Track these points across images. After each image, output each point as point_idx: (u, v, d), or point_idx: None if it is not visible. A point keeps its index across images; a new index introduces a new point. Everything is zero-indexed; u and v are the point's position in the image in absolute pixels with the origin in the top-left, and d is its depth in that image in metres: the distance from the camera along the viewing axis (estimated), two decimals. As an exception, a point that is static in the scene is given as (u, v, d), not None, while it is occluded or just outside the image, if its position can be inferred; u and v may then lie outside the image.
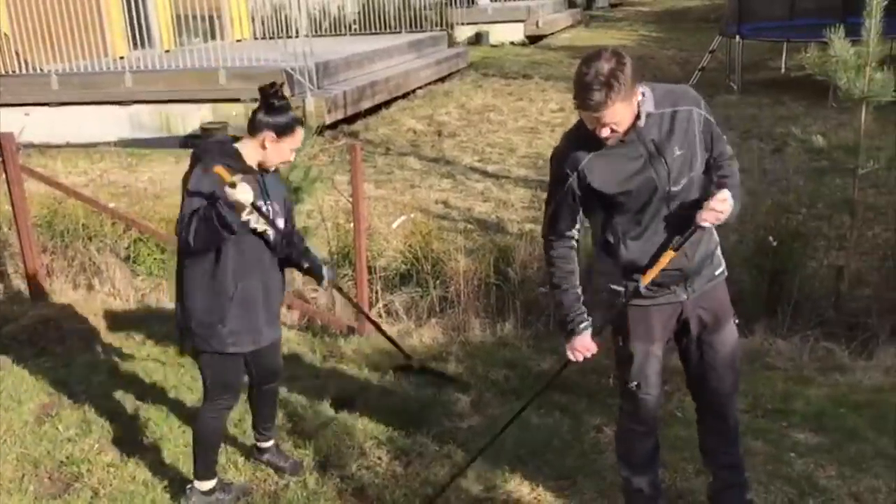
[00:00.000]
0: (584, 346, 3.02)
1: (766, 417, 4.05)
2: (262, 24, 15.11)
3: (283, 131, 3.17)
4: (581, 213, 2.92)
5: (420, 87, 13.21)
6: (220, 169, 3.00)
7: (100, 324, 5.41)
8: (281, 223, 3.32)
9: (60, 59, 11.26)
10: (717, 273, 3.01)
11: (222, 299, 3.23)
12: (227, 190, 2.96)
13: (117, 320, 5.48)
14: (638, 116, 2.72)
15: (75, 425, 4.18)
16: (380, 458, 3.83)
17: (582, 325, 3.01)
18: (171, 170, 9.47)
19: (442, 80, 14.02)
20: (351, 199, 5.28)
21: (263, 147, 3.18)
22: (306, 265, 3.53)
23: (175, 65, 10.81)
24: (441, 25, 16.29)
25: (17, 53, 11.33)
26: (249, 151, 3.21)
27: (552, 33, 19.97)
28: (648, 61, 15.76)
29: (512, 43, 18.80)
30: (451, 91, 13.14)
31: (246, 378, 3.58)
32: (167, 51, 12.56)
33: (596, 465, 3.76)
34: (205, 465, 3.48)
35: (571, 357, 3.07)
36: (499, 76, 14.26)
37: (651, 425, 3.19)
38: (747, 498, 3.26)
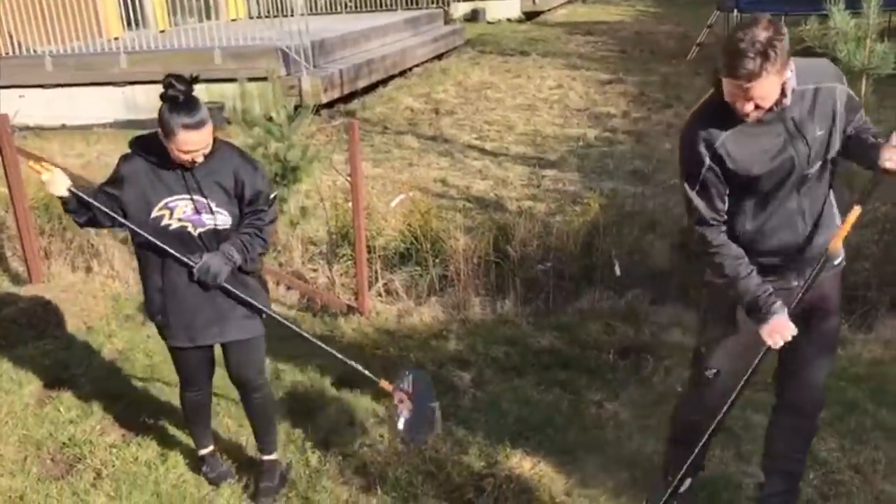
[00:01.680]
0: (783, 326, 2.69)
1: (766, 391, 4.03)
2: (257, 2, 15.00)
3: (164, 132, 2.96)
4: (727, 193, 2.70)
5: (417, 65, 13.13)
6: (31, 164, 3.17)
7: (99, 306, 5.40)
8: (222, 220, 3.11)
9: (54, 40, 11.17)
10: (835, 263, 2.81)
11: (153, 291, 3.22)
12: (44, 181, 3.06)
13: (116, 302, 5.47)
14: (783, 94, 2.53)
15: (76, 407, 4.18)
16: (381, 436, 3.84)
17: (776, 306, 2.69)
18: (167, 151, 9.44)
19: (439, 57, 13.95)
20: (349, 179, 5.25)
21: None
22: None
23: (170, 45, 10.74)
24: (437, 2, 16.19)
25: (10, 35, 11.24)
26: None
27: (549, 9, 19.86)
28: (646, 36, 15.68)
29: (508, 19, 18.70)
30: (448, 69, 13.07)
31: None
32: (162, 31, 12.48)
33: (597, 441, 3.77)
34: (192, 436, 3.67)
35: (771, 343, 2.71)
36: (496, 53, 14.19)
37: (711, 415, 2.93)
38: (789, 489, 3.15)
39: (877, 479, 3.43)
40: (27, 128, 10.34)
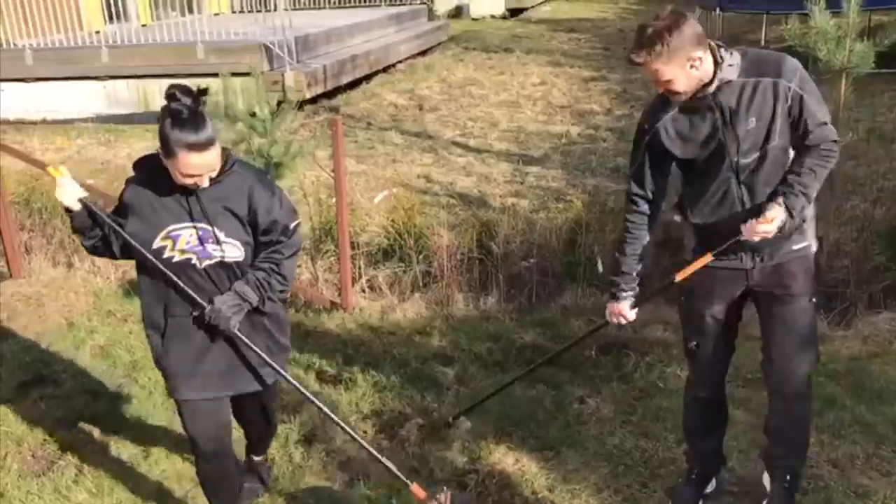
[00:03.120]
0: (619, 312, 3.11)
1: (746, 387, 4.09)
2: (240, -3, 14.92)
3: (164, 151, 2.58)
4: (664, 177, 2.95)
5: (401, 61, 13.11)
6: (50, 168, 2.74)
7: (80, 301, 5.37)
8: (230, 250, 2.72)
9: (34, 33, 11.06)
10: (795, 248, 2.90)
11: (155, 334, 2.84)
12: (57, 185, 2.65)
13: (98, 297, 5.44)
14: (711, 82, 2.70)
15: (58, 404, 4.16)
16: (365, 432, 3.85)
17: (623, 294, 3.08)
18: (149, 146, 9.37)
19: (423, 53, 13.93)
20: (332, 174, 5.25)
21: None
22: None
23: (152, 39, 10.65)
24: (421, -1, 16.17)
25: (-11, 28, 11.12)
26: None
27: (533, 6, 19.88)
28: (629, 34, 15.72)
29: (492, 16, 18.69)
30: (431, 65, 13.06)
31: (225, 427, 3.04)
32: (144, 25, 12.38)
33: (579, 436, 3.80)
34: None
35: (609, 319, 3.17)
36: (480, 50, 14.18)
37: (713, 392, 3.22)
38: (788, 480, 3.17)
39: (854, 473, 3.47)
40: (7, 122, 10.24)
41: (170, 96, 2.56)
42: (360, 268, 5.51)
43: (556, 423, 3.90)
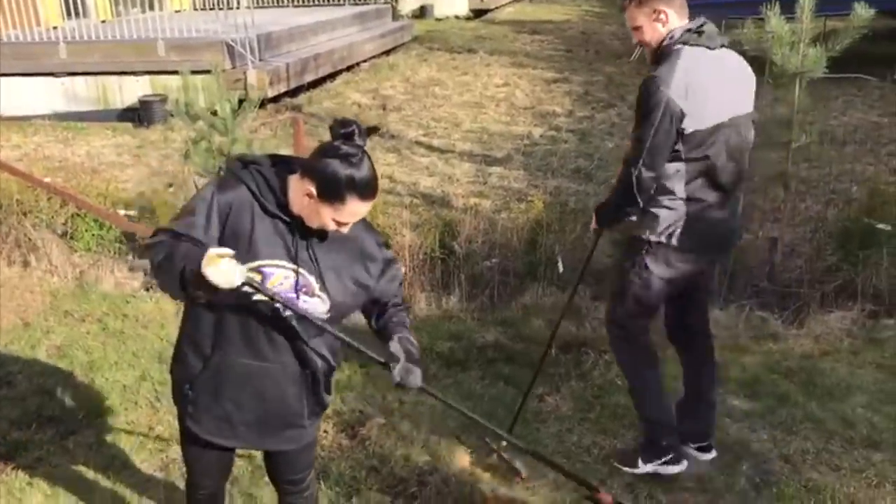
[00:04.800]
0: None
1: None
2: (202, -6, 14.78)
3: (325, 193, 2.20)
4: None
5: (364, 61, 13.09)
6: (213, 253, 2.10)
7: (37, 301, 5.29)
8: (315, 305, 2.34)
9: (-10, 28, 10.85)
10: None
11: (195, 357, 2.44)
12: (205, 259, 2.08)
13: (55, 297, 5.36)
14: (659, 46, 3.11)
15: (12, 405, 4.09)
16: (326, 432, 3.85)
17: None
18: (108, 143, 9.26)
19: (387, 53, 13.92)
20: (294, 173, 5.23)
21: (308, 196, 2.23)
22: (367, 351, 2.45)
23: (112, 35, 10.51)
24: (385, -2, 16.15)
25: (-58, 22, 10.88)
26: (296, 193, 2.27)
27: (496, 7, 19.97)
28: (591, 36, 15.87)
29: (457, 16, 18.74)
30: (395, 64, 13.06)
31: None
32: (103, 21, 12.21)
33: (538, 434, 3.84)
34: None
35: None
36: (443, 50, 14.21)
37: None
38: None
39: (805, 468, 3.56)
40: (-39, 118, 10.05)
41: (341, 135, 2.20)
42: (321, 267, 5.49)
43: (517, 421, 3.93)
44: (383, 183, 7.49)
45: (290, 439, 2.56)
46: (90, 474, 3.56)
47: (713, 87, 3.00)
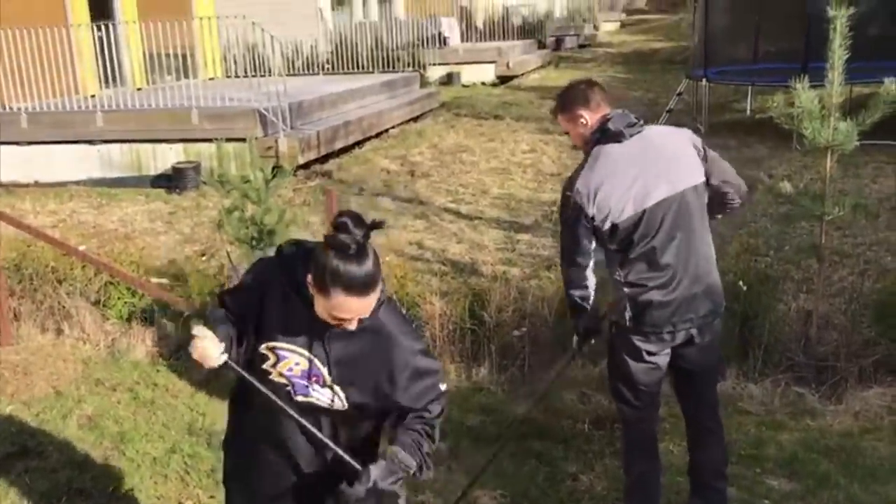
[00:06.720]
0: None
1: (739, 464, 4.07)
2: (235, 62, 15.14)
3: (315, 283, 2.16)
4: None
5: (393, 127, 13.29)
6: (195, 332, 2.21)
7: (69, 369, 5.33)
8: (325, 395, 2.29)
9: (30, 97, 11.17)
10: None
11: (234, 419, 2.53)
12: (194, 337, 2.19)
13: (87, 365, 5.39)
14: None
15: (43, 477, 4.09)
16: None
17: None
18: (141, 209, 9.41)
19: (415, 119, 14.13)
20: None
21: (309, 284, 2.20)
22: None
23: (146, 104, 10.78)
24: (413, 66, 16.48)
25: (-15, 91, 11.22)
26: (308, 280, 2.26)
27: (522, 73, 20.24)
28: (616, 102, 16.03)
29: (483, 83, 19.02)
30: (423, 131, 13.24)
31: None
32: (139, 88, 12.54)
33: (573, 514, 3.76)
34: None
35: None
36: (471, 116, 14.40)
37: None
38: None
39: (850, 554, 3.44)
40: (0, 185, 10.28)
41: (340, 226, 2.11)
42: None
43: (550, 501, 3.86)
44: (412, 250, 7.54)
45: None
46: (119, 551, 3.53)
47: (624, 181, 3.13)
